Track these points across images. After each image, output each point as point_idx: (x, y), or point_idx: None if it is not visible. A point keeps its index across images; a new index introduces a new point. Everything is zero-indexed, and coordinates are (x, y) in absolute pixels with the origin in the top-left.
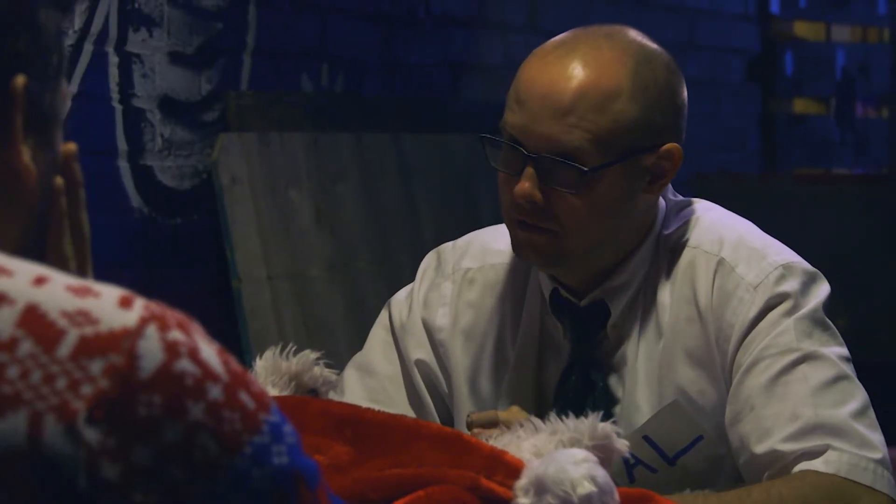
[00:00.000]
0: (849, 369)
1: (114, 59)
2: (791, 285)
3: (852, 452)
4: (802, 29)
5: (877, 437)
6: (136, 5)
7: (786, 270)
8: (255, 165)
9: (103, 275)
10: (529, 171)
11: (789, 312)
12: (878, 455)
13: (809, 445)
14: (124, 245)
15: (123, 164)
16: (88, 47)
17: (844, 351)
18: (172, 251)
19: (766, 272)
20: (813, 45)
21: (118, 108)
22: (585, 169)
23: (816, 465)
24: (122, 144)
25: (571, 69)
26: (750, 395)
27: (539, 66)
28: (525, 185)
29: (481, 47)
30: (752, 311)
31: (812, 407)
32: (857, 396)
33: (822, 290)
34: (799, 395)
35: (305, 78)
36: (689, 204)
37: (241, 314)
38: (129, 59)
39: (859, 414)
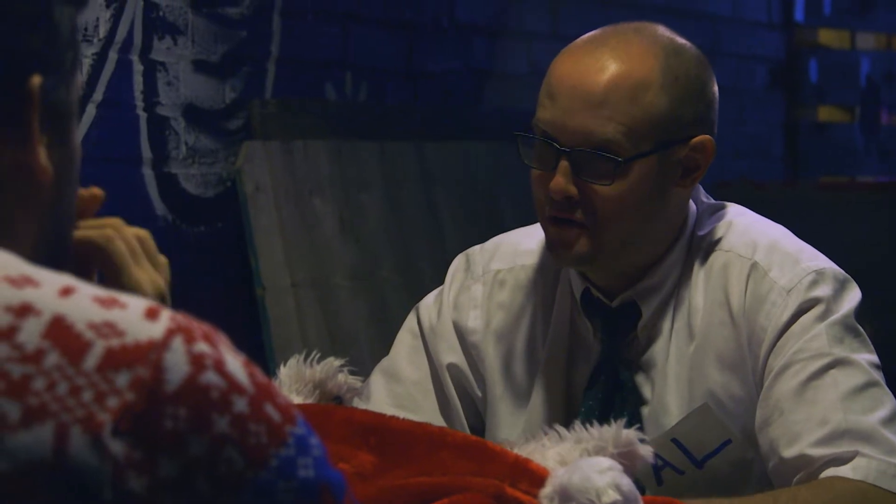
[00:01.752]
0: (879, 376)
1: (138, 67)
2: (823, 290)
3: (881, 459)
4: (827, 37)
5: None
6: (161, 14)
7: (818, 276)
8: (279, 174)
9: None
10: (563, 165)
11: (821, 317)
12: None
13: (838, 451)
14: None
15: (148, 172)
16: (113, 55)
17: (874, 357)
18: (196, 259)
19: (800, 277)
20: (837, 52)
21: (143, 115)
22: (620, 159)
23: (844, 471)
24: (146, 152)
25: (602, 62)
26: (780, 399)
27: (570, 61)
28: (559, 180)
29: (504, 55)
30: (785, 316)
31: (841, 412)
32: (887, 403)
33: (854, 295)
34: (829, 400)
35: (329, 86)
36: (723, 207)
37: (264, 322)
38: (154, 68)
39: (889, 421)
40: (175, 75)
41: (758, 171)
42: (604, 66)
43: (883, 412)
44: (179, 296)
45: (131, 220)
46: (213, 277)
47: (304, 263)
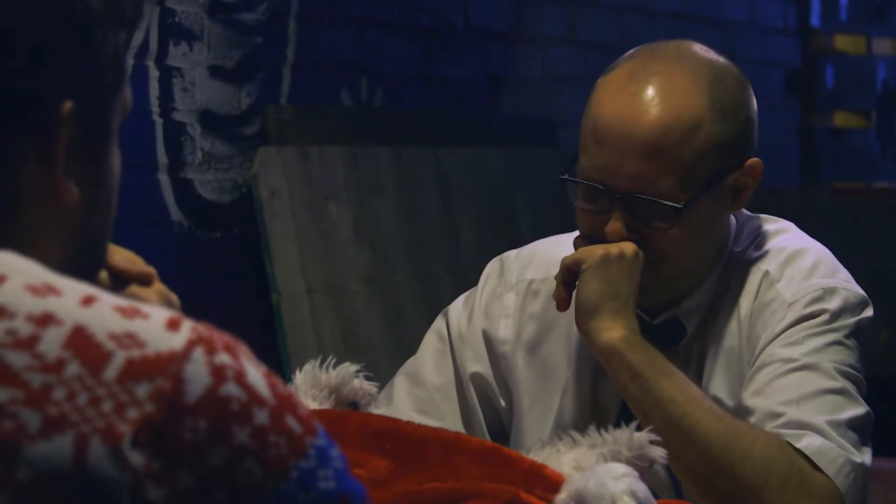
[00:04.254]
0: (851, 387)
1: (154, 73)
2: (825, 305)
3: (825, 441)
4: (843, 42)
5: (859, 449)
6: (177, 19)
7: (826, 293)
8: (295, 179)
9: None
10: (619, 209)
11: (811, 327)
12: (853, 457)
13: (789, 433)
14: (164, 258)
15: (163, 178)
16: (129, 61)
17: (854, 372)
18: (212, 264)
19: (805, 292)
20: (853, 58)
21: (158, 121)
22: (680, 206)
23: (792, 438)
24: (162, 158)
25: (650, 105)
26: (745, 398)
27: (614, 104)
28: (616, 225)
29: (520, 60)
30: (780, 327)
31: (795, 408)
32: (847, 410)
33: (862, 316)
34: (786, 397)
35: (344, 92)
36: (763, 222)
37: (280, 327)
38: (170, 73)
39: (841, 425)
40: (191, 81)
41: (773, 178)
42: (652, 110)
43: (838, 416)
44: (194, 302)
45: (147, 226)
46: (229, 283)
47: (320, 269)
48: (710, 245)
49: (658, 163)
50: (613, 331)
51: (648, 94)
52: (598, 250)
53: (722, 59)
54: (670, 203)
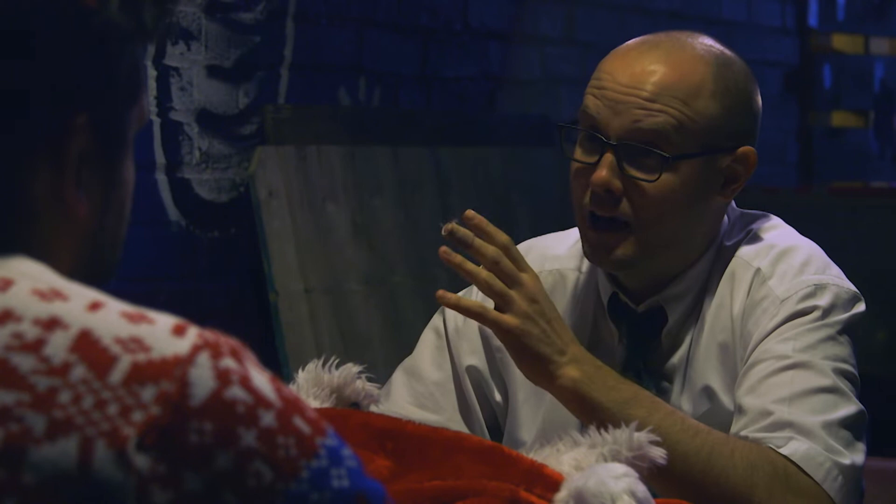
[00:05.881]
0: (844, 385)
1: (152, 73)
2: (817, 301)
3: (812, 445)
4: (841, 42)
5: (850, 449)
6: (174, 19)
7: (817, 289)
8: (293, 179)
9: (140, 287)
10: (608, 158)
11: (802, 324)
12: (842, 459)
13: (774, 435)
14: (161, 258)
15: (161, 177)
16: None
17: (848, 368)
18: (209, 264)
19: (797, 288)
20: (851, 57)
21: (156, 121)
22: (667, 156)
23: (776, 443)
24: (159, 157)
25: (656, 62)
26: (739, 396)
27: (622, 59)
28: (603, 173)
29: (518, 60)
30: (772, 324)
31: (787, 407)
32: (840, 410)
33: (853, 312)
34: (778, 395)
35: (343, 91)
36: (755, 218)
37: (277, 327)
38: (167, 73)
39: (833, 425)
40: (188, 80)
41: (772, 177)
42: (657, 68)
43: (830, 416)
44: (192, 301)
45: (144, 226)
46: (227, 282)
47: (318, 269)
48: (697, 225)
49: (654, 113)
50: (565, 375)
51: (656, 55)
52: (509, 325)
53: (732, 53)
54: (659, 151)
